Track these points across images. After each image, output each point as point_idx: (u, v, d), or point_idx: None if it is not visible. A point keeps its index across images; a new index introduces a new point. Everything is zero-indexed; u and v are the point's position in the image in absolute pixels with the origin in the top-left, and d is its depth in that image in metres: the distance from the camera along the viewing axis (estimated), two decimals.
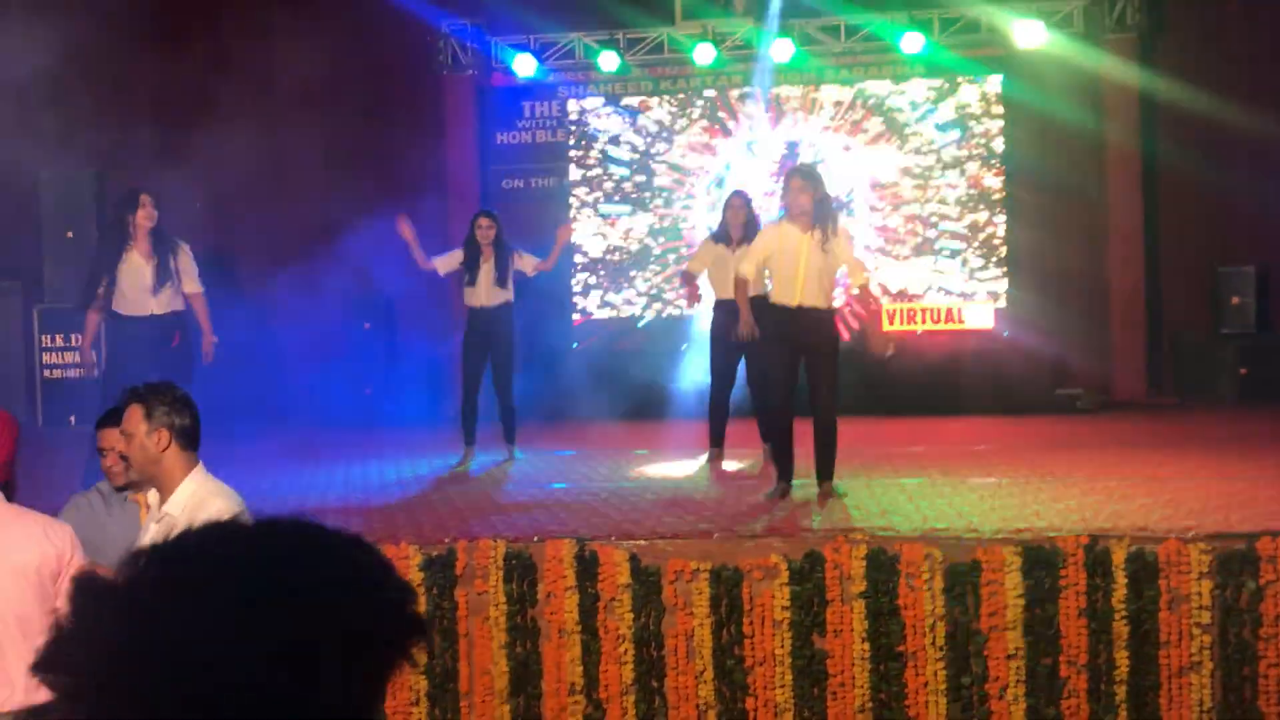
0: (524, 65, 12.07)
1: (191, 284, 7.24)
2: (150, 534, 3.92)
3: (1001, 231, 11.84)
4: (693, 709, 5.44)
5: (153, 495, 3.97)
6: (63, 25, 10.77)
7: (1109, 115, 11.45)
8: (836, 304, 6.83)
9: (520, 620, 5.55)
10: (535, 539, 5.65)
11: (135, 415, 3.88)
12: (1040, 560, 5.29)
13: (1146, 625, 5.22)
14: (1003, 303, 11.75)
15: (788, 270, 6.62)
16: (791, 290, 6.59)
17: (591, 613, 5.50)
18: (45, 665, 0.89)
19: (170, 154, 11.77)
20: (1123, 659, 5.22)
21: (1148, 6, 11.30)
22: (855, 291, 6.87)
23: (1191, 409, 10.75)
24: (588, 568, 5.52)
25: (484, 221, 8.53)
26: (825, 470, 6.66)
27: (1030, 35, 11.22)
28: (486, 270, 8.37)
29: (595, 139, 12.46)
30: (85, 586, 0.91)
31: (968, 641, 5.32)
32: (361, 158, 12.22)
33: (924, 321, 11.77)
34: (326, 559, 0.95)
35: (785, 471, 6.74)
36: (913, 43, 11.43)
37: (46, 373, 11.75)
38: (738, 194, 8.39)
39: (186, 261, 7.23)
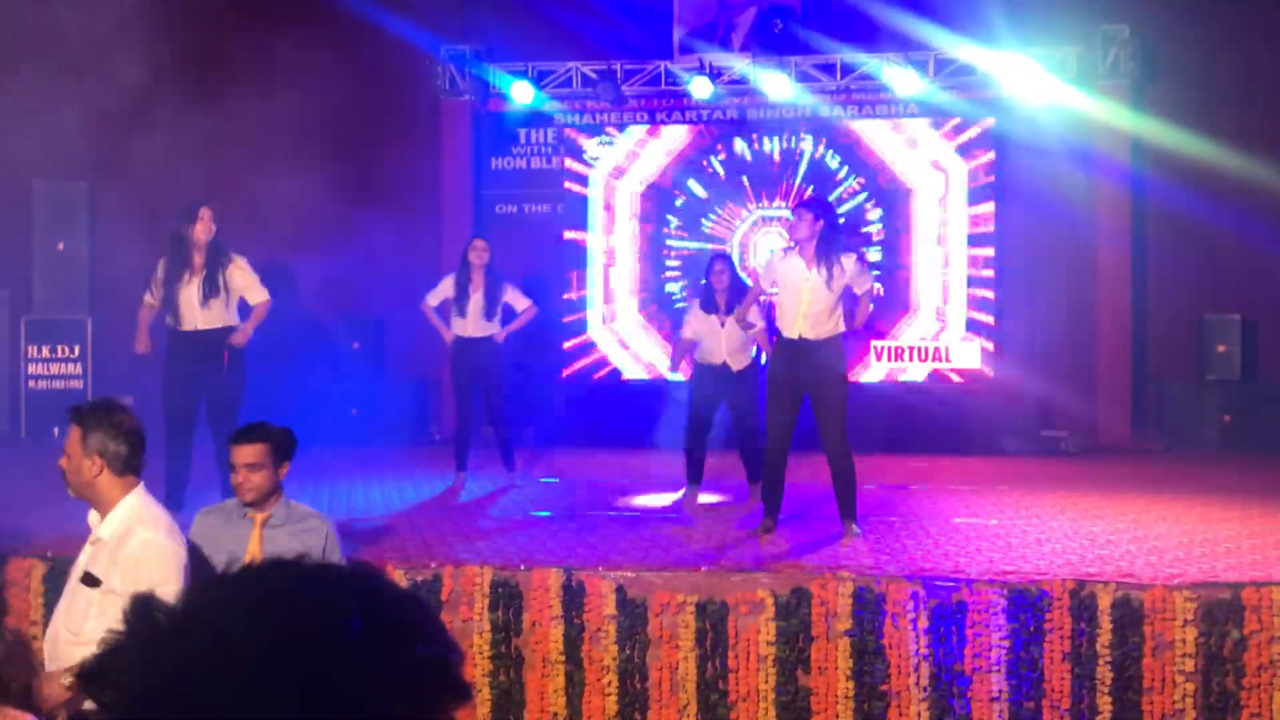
0: (521, 92, 12.12)
1: (255, 294, 7.26)
2: (85, 556, 3.89)
3: (991, 270, 11.90)
4: None
5: (92, 516, 3.93)
6: (57, 35, 10.79)
7: (1100, 159, 11.54)
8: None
9: (504, 649, 5.54)
10: (522, 567, 5.64)
11: (74, 437, 3.85)
12: (1026, 603, 5.31)
13: (1130, 671, 5.24)
14: (990, 343, 11.80)
15: (790, 303, 6.62)
16: (793, 323, 6.60)
17: (577, 643, 5.49)
18: (90, 676, 0.90)
19: (164, 168, 11.79)
20: (1106, 704, 5.23)
21: (1140, 54, 11.43)
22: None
23: (1176, 455, 10.80)
24: (574, 597, 5.51)
25: (479, 244, 8.52)
26: (846, 510, 6.63)
27: (1024, 79, 11.32)
28: (476, 300, 8.37)
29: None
30: (141, 606, 0.92)
31: (952, 682, 5.32)
32: (357, 180, 12.23)
33: (911, 360, 11.82)
34: (383, 610, 0.96)
35: (772, 509, 6.74)
36: (907, 83, 11.52)
37: (31, 383, 11.71)
38: (720, 258, 8.35)
39: (240, 275, 7.20)
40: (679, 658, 5.45)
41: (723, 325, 7.84)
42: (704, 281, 8.28)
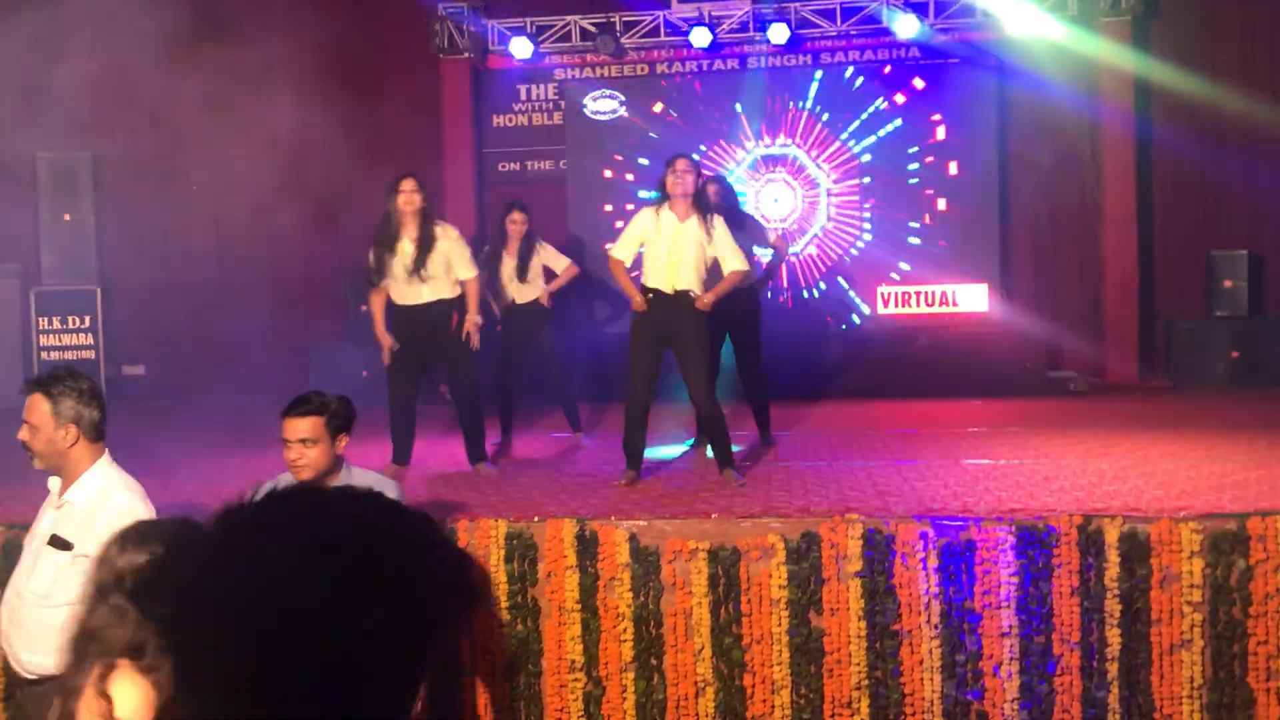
0: (520, 48, 12.09)
1: (463, 269, 6.97)
2: (47, 520, 3.85)
3: (996, 214, 11.89)
4: (691, 686, 5.52)
5: (53, 482, 3.88)
6: (60, 9, 10.78)
7: (1103, 99, 11.50)
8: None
9: (521, 599, 5.61)
10: (536, 519, 5.71)
11: (41, 408, 3.76)
12: (1033, 539, 5.37)
13: (1138, 604, 5.30)
14: (996, 286, 11.81)
15: (658, 255, 6.71)
16: (661, 276, 6.69)
17: (591, 591, 5.56)
18: (143, 593, 0.97)
19: (167, 137, 11.80)
20: (1114, 636, 5.30)
21: None
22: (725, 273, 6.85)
23: (1184, 391, 10.83)
24: (588, 547, 5.58)
25: (516, 215, 8.31)
26: (721, 459, 6.76)
27: (1025, 20, 11.26)
28: (510, 265, 8.25)
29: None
30: (181, 528, 1.00)
31: (962, 619, 5.39)
32: (358, 139, 12.23)
33: (918, 304, 11.84)
34: (397, 523, 1.04)
35: (635, 459, 6.81)
36: (908, 26, 11.47)
37: (43, 354, 11.80)
38: (716, 179, 8.36)
39: (451, 246, 6.91)
40: (692, 603, 5.52)
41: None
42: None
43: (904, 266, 11.98)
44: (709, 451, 7.09)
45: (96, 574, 1.44)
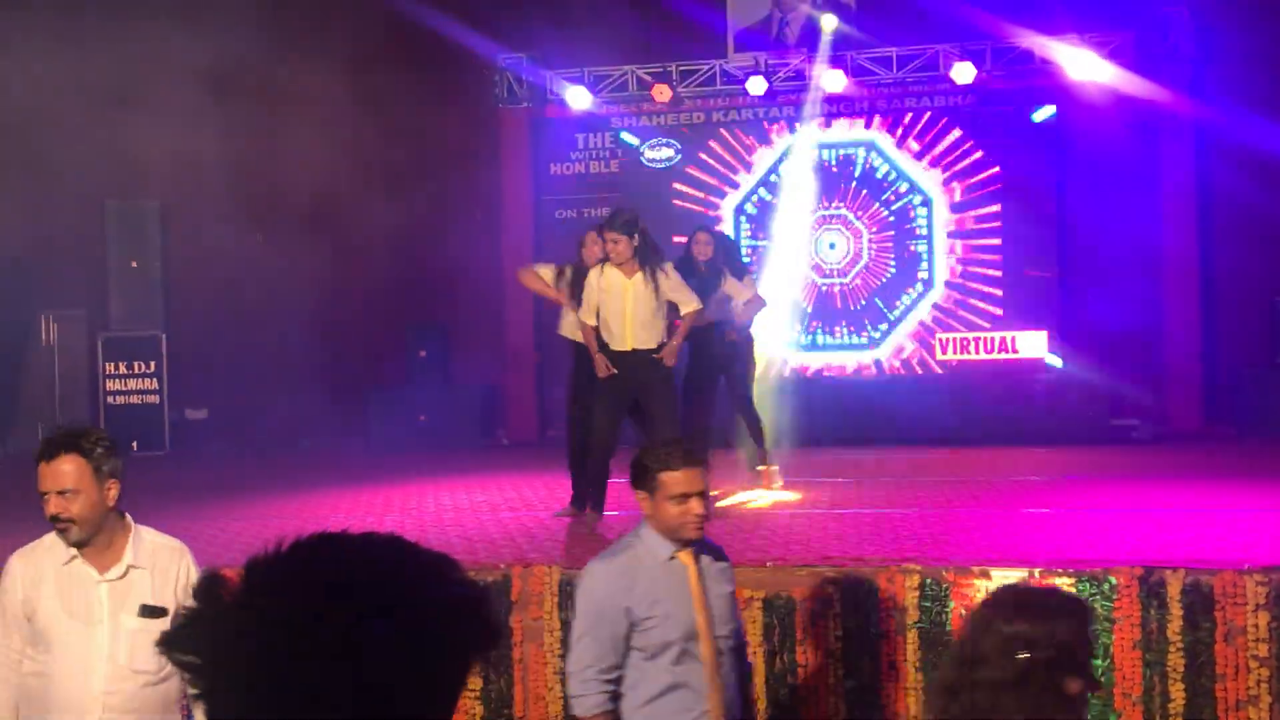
0: (577, 97, 12.23)
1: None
2: (106, 593, 3.41)
3: (1055, 260, 11.81)
4: None
5: (63, 550, 3.41)
6: (128, 59, 11.06)
7: (1162, 144, 11.41)
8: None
9: None
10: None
11: (77, 467, 3.32)
12: (1094, 590, 5.28)
13: (1202, 658, 5.19)
14: (1056, 332, 11.71)
15: (611, 317, 6.75)
16: (616, 338, 6.74)
17: None
18: (173, 643, 1.02)
19: (232, 187, 12.04)
20: (1178, 692, 5.19)
21: (1198, 35, 11.28)
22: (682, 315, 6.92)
23: (1249, 440, 10.64)
24: None
25: (702, 236, 8.20)
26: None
27: (1082, 66, 11.21)
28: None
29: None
30: (210, 582, 1.05)
31: None
32: (418, 188, 12.41)
33: (977, 351, 11.77)
34: (414, 563, 1.09)
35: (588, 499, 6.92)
36: (965, 73, 11.46)
37: (110, 399, 12.02)
38: (704, 228, 8.49)
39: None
40: (747, 653, 5.48)
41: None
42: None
43: (962, 314, 11.94)
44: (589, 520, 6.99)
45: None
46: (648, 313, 6.75)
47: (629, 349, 6.76)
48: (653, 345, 6.77)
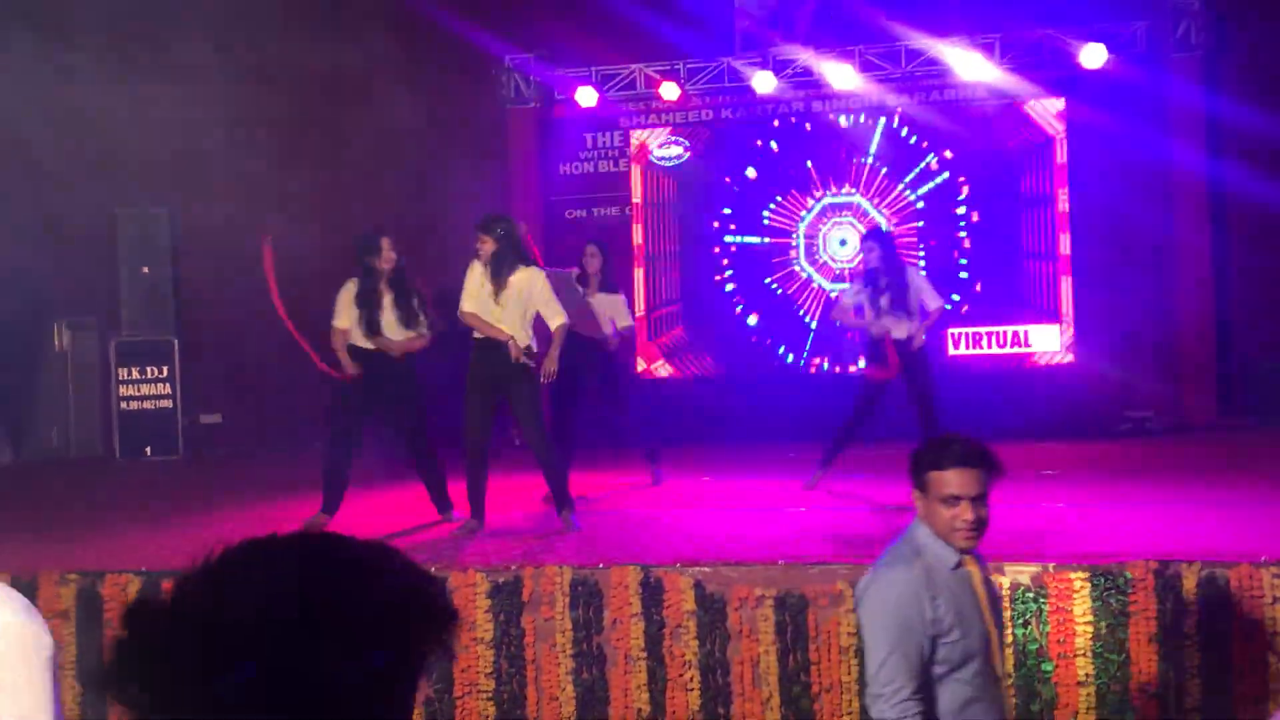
0: (585, 97, 12.21)
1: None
2: None
3: (1069, 252, 11.75)
4: None
5: None
6: (139, 67, 11.09)
7: (1174, 136, 11.34)
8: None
9: (586, 646, 5.59)
10: (600, 565, 5.70)
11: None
12: (1109, 585, 5.25)
13: (1219, 652, 5.15)
14: (1069, 326, 11.65)
15: (484, 313, 6.88)
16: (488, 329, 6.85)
17: (657, 639, 5.53)
18: (106, 680, 0.99)
19: (241, 193, 12.06)
20: (1195, 686, 5.15)
21: (1211, 25, 11.21)
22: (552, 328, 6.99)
23: (1264, 431, 10.57)
24: (653, 594, 5.56)
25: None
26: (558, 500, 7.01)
27: (1093, 57, 11.15)
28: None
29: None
30: (139, 609, 1.02)
31: (1036, 667, 5.28)
32: (426, 189, 12.40)
33: (989, 345, 11.71)
34: (352, 564, 1.06)
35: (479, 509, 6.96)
36: (974, 66, 11.41)
37: (123, 404, 12.04)
38: (593, 241, 8.66)
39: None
40: (760, 651, 5.46)
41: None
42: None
43: (974, 308, 11.86)
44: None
45: None
46: (512, 311, 6.87)
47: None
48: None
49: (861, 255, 8.24)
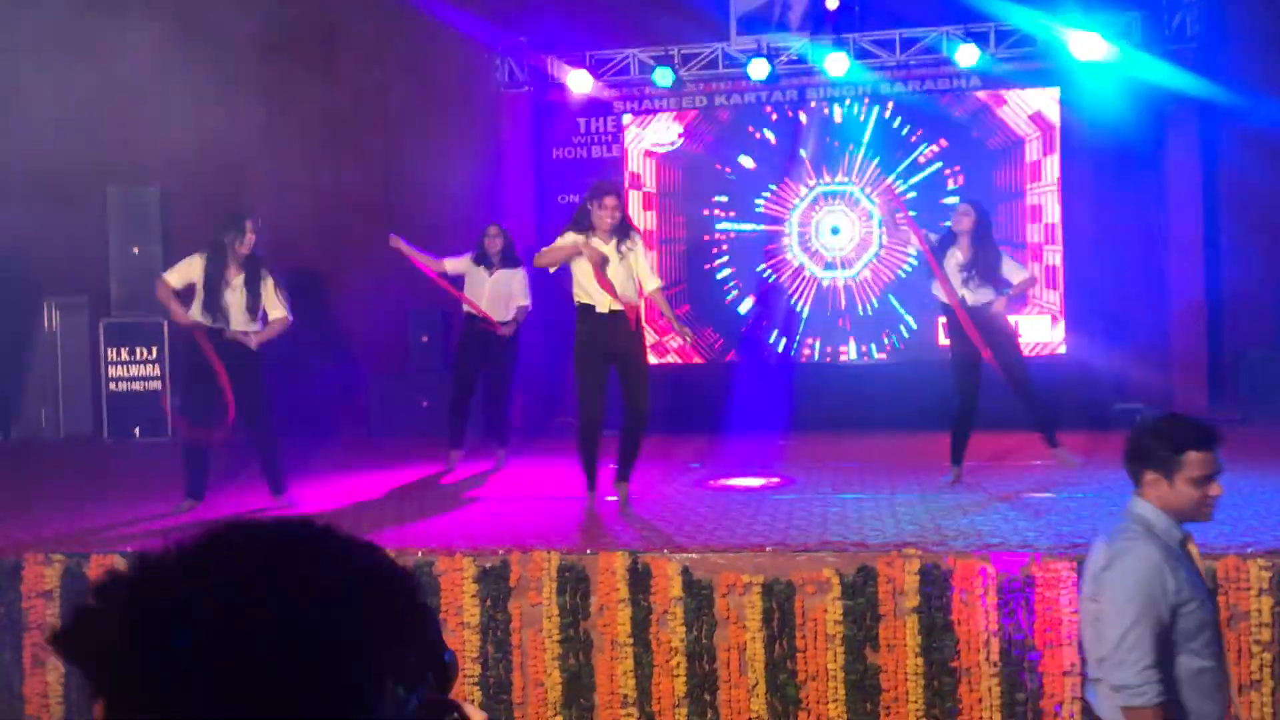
0: (579, 81, 12.16)
1: (276, 311, 7.37)
2: None
3: (1059, 244, 11.74)
4: None
5: None
6: (132, 45, 11.02)
7: (1168, 127, 11.33)
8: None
9: (573, 632, 5.59)
10: (588, 551, 5.69)
11: None
12: None
13: None
14: (1060, 316, 11.64)
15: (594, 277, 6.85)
16: (601, 296, 6.83)
17: (644, 625, 5.53)
18: (63, 641, 0.97)
19: (232, 171, 12.01)
20: None
21: (1206, 16, 11.18)
22: (648, 291, 7.07)
23: (1254, 424, 10.58)
24: (640, 580, 5.55)
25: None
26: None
27: (1088, 47, 11.12)
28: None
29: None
30: (109, 577, 1.00)
31: (1023, 657, 5.28)
32: (419, 174, 12.35)
33: None
34: (338, 554, 1.03)
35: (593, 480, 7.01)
36: (968, 56, 11.39)
37: (112, 385, 11.99)
38: (494, 224, 9.18)
39: (267, 291, 7.34)
40: (746, 638, 5.46)
41: (490, 275, 8.86)
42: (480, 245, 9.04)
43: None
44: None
45: None
46: (624, 278, 6.93)
47: (606, 310, 6.85)
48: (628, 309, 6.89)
49: (952, 222, 8.13)
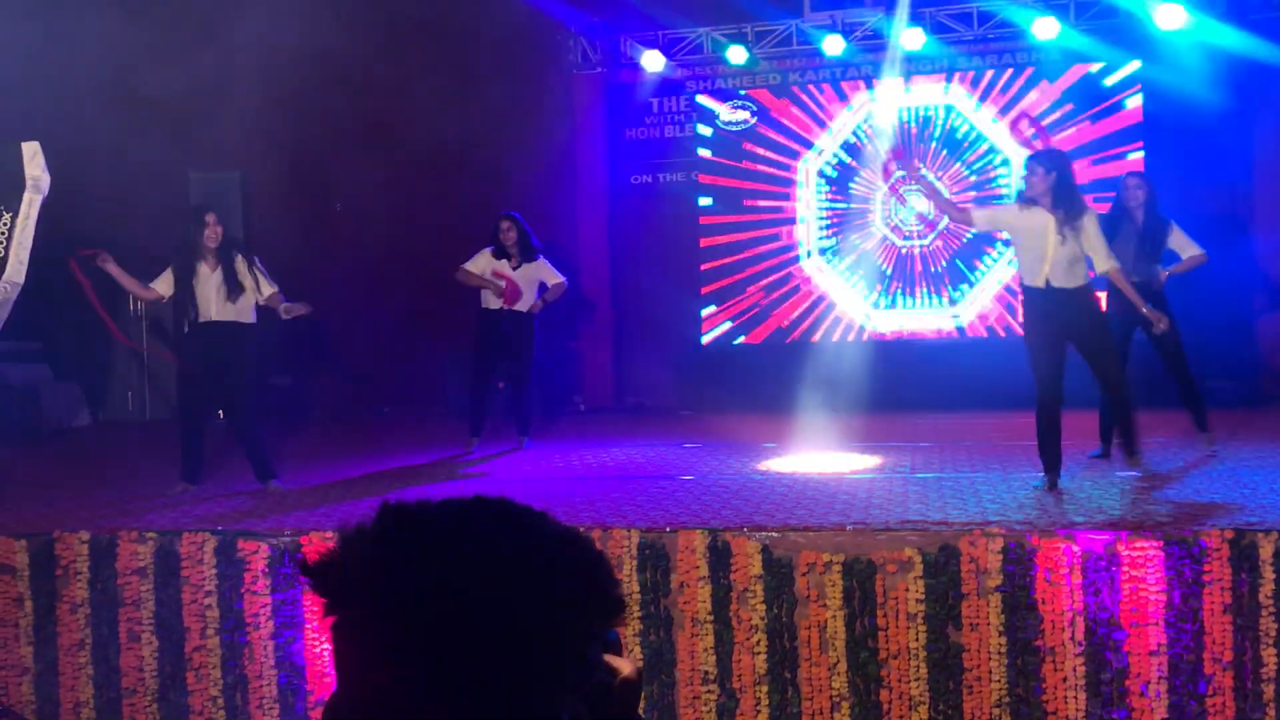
0: (652, 61, 12.15)
1: (265, 288, 7.53)
2: None
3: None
4: (826, 700, 5.46)
5: None
6: (217, 37, 11.19)
7: (1253, 96, 11.07)
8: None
9: (654, 609, 5.62)
10: (668, 529, 5.72)
11: None
12: (1183, 553, 5.18)
13: None
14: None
15: (1035, 251, 6.60)
16: (1039, 271, 6.60)
17: (724, 603, 5.55)
18: (314, 572, 1.03)
19: (308, 156, 12.16)
20: (1270, 656, 5.08)
21: None
22: (1103, 272, 6.79)
23: None
24: (720, 558, 5.57)
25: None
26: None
27: (1170, 17, 10.90)
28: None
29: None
30: (389, 513, 1.06)
31: (1108, 636, 5.23)
32: (493, 158, 12.43)
33: None
34: (540, 528, 1.09)
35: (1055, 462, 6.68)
36: (1047, 28, 11.20)
37: None
38: (507, 215, 8.91)
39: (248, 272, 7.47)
40: (827, 616, 5.46)
41: (513, 269, 8.75)
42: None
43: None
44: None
45: None
46: (1070, 252, 6.63)
47: (1044, 285, 6.63)
48: (1073, 286, 6.64)
49: (1121, 195, 7.95)
